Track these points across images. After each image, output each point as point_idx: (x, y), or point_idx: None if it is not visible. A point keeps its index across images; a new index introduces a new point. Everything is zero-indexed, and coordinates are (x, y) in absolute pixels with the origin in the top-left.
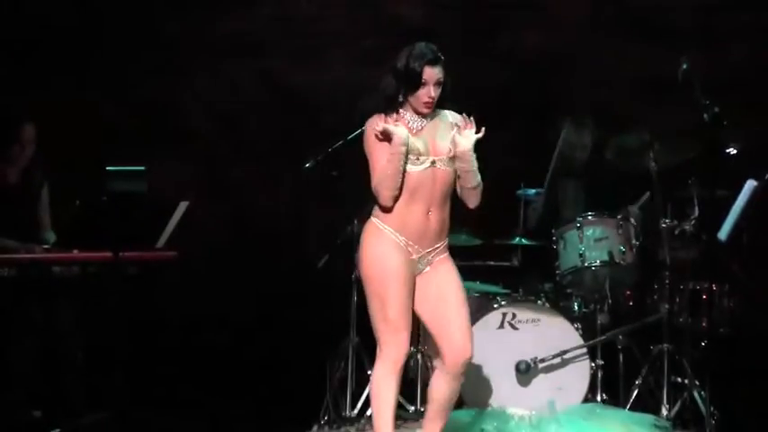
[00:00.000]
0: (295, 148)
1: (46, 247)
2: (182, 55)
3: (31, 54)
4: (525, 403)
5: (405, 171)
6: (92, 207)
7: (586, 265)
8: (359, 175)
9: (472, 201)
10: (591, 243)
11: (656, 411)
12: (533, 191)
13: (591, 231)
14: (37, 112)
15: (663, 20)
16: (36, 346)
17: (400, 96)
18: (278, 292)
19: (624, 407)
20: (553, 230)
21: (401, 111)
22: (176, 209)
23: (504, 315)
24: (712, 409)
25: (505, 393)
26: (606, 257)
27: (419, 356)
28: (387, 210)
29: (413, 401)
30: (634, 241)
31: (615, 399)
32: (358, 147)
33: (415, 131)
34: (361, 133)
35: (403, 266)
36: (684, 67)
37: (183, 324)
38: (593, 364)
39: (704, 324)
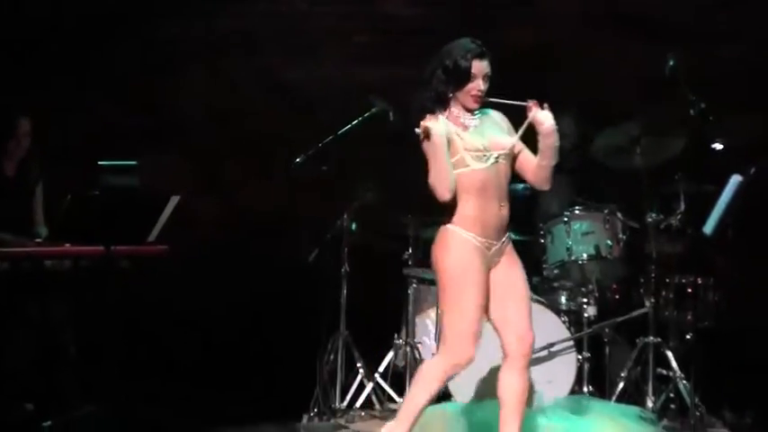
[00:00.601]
0: (287, 143)
1: (38, 240)
2: (175, 51)
3: (30, 53)
4: None
5: (471, 169)
6: (83, 201)
7: (573, 258)
8: (348, 170)
9: (548, 181)
10: (578, 237)
11: (642, 403)
12: (521, 185)
13: (578, 225)
14: (32, 108)
15: (651, 16)
16: (29, 340)
17: (450, 93)
18: (269, 286)
19: (610, 399)
20: (541, 225)
21: (451, 108)
22: (168, 203)
23: None
24: (697, 401)
25: (493, 386)
26: (593, 251)
27: (408, 348)
28: (465, 214)
29: (402, 393)
30: (621, 235)
31: (601, 391)
32: (350, 141)
33: (471, 128)
34: (353, 128)
35: (482, 275)
36: (671, 63)
37: (175, 318)
38: (579, 357)
39: (689, 317)
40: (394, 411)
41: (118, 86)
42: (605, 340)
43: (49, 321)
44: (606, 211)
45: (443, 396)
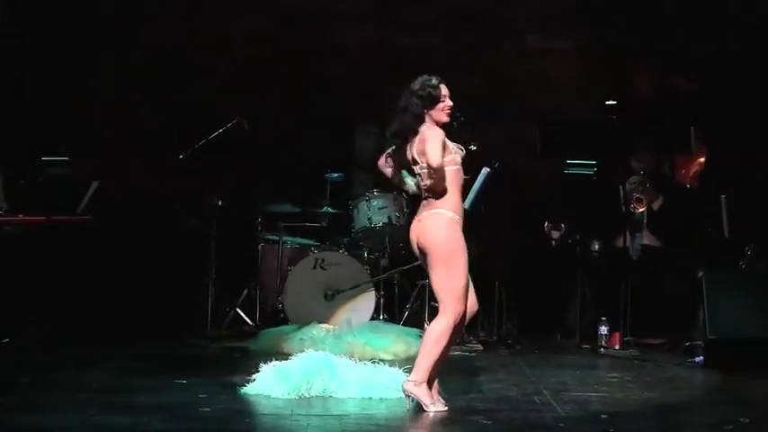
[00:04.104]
0: (174, 142)
1: (0, 212)
2: (88, 70)
3: None
4: (330, 321)
5: (457, 168)
6: (32, 185)
7: (373, 225)
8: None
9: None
10: (376, 210)
11: (421, 326)
12: (336, 174)
13: (376, 202)
14: None
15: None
16: None
17: (425, 113)
18: (162, 243)
19: (399, 323)
20: (350, 202)
21: (426, 123)
22: (90, 186)
23: (317, 260)
24: None
25: (317, 314)
26: (387, 220)
27: (258, 287)
28: (450, 202)
29: (253, 319)
30: (405, 209)
31: (392, 318)
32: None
33: None
34: (220, 134)
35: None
36: None
37: (97, 264)
38: (377, 294)
39: None
40: (249, 331)
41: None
42: (395, 282)
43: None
44: (395, 192)
45: (283, 321)
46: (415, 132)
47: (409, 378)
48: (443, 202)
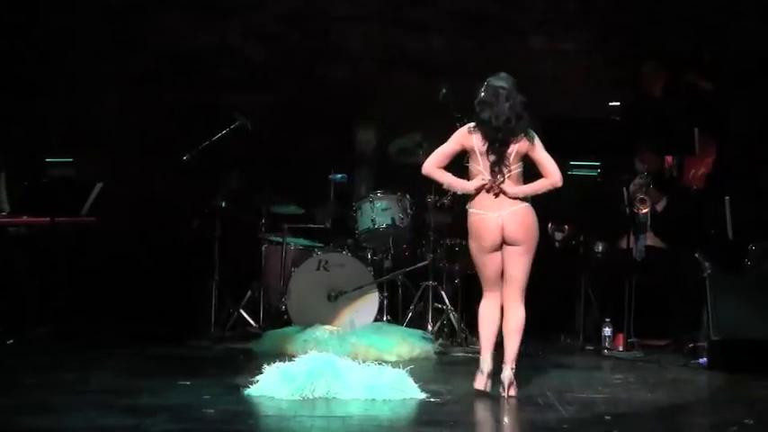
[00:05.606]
0: (177, 143)
1: (3, 214)
2: (91, 72)
3: None
4: (334, 322)
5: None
6: (36, 186)
7: (376, 227)
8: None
9: None
10: (379, 212)
11: (424, 328)
12: (340, 175)
13: (379, 204)
14: None
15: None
16: None
17: None
18: (165, 244)
19: (402, 324)
20: (353, 203)
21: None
22: (94, 188)
23: (320, 261)
24: (462, 326)
25: (321, 315)
26: (390, 222)
27: (262, 288)
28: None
29: (257, 321)
30: (409, 211)
31: (396, 319)
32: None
33: None
34: (223, 135)
35: None
36: (444, 91)
37: (101, 265)
38: (380, 296)
39: (457, 267)
40: (253, 333)
41: (55, 100)
42: (398, 284)
43: (14, 269)
44: (398, 194)
45: (287, 322)
46: (520, 134)
47: (511, 367)
48: (526, 198)
